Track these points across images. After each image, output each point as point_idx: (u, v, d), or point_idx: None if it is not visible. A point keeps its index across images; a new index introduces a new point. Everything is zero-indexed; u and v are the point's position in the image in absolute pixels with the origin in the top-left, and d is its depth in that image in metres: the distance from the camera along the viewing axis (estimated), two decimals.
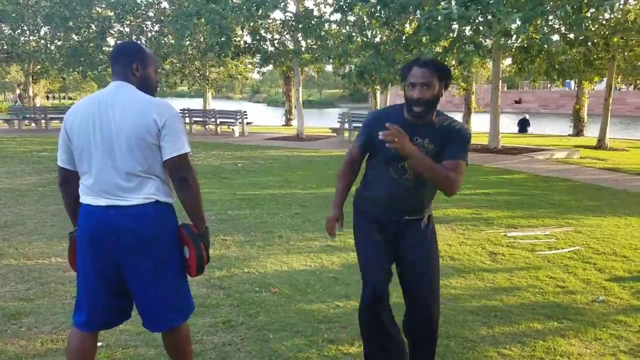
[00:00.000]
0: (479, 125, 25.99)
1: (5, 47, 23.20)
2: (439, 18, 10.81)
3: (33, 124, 21.92)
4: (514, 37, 12.73)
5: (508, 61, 19.61)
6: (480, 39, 12.73)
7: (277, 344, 3.20)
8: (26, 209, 6.73)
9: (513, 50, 14.76)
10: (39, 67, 24.51)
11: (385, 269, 2.62)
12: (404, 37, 13.23)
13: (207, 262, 2.45)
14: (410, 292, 2.67)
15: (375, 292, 2.56)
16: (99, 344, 3.12)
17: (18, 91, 28.88)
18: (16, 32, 23.26)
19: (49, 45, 22.65)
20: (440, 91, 2.47)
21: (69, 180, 2.45)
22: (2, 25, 23.26)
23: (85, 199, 2.36)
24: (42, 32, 23.36)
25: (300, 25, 16.73)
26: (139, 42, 17.48)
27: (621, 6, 14.06)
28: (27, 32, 23.68)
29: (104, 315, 2.45)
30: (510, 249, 5.25)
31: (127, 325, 3.40)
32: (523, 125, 24.18)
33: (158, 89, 2.54)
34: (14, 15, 22.12)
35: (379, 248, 2.64)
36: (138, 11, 20.53)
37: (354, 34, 14.62)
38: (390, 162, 2.55)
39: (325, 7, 19.37)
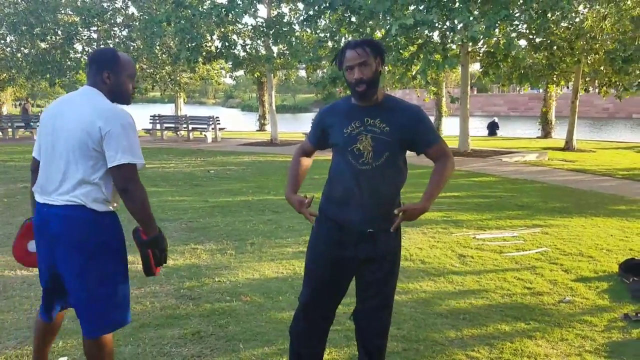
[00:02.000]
0: (449, 128, 26.36)
1: None
2: (393, 29, 10.92)
3: (0, 133, 21.41)
4: (481, 42, 12.95)
5: (477, 66, 19.96)
6: (448, 45, 12.91)
7: (247, 354, 3.18)
8: None
9: (480, 55, 15.02)
10: (4, 75, 23.92)
11: (323, 316, 2.65)
12: None
13: (159, 265, 2.52)
14: (361, 323, 2.67)
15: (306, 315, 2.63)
16: (63, 358, 3.06)
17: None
18: None
19: (15, 53, 22.16)
20: (378, 68, 2.42)
21: (36, 170, 2.54)
22: None
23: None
24: (7, 40, 22.85)
25: (271, 31, 16.73)
26: (103, 45, 17.17)
27: (583, 14, 14.45)
28: None
29: (49, 299, 2.57)
30: (479, 252, 5.32)
31: None
32: (492, 128, 24.60)
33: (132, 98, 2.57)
34: None
35: (323, 291, 2.59)
36: (105, 16, 20.27)
37: (325, 39, 14.68)
38: (346, 148, 2.45)
39: (296, 13, 19.41)
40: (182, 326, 3.54)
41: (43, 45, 20.76)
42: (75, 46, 21.05)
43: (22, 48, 21.81)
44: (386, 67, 13.22)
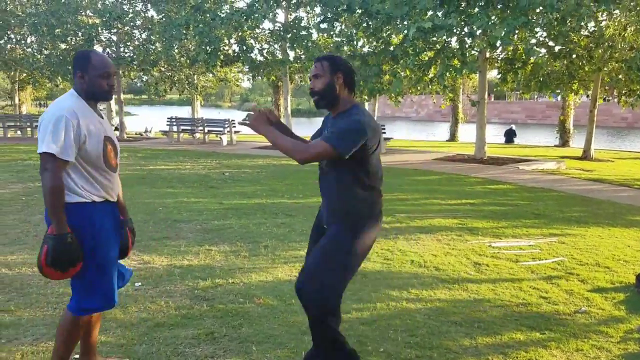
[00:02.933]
0: (465, 135, 26.23)
1: None
2: (411, 32, 10.90)
3: (19, 132, 21.73)
4: (500, 48, 12.87)
5: (495, 73, 19.83)
6: (466, 51, 12.87)
7: (260, 356, 3.19)
8: (9, 219, 6.65)
9: (498, 61, 14.94)
10: (25, 74, 24.32)
11: None
12: (391, 48, 13.33)
13: (51, 266, 2.48)
14: None
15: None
16: (76, 356, 3.09)
17: None
18: (2, 40, 23.10)
19: (36, 53, 22.51)
20: (333, 81, 2.65)
21: None
22: None
23: None
24: (28, 41, 23.21)
25: (288, 35, 16.80)
26: (123, 48, 17.25)
27: (604, 22, 14.30)
28: (14, 40, 23.52)
29: None
30: (494, 260, 5.27)
31: (108, 336, 3.38)
32: (509, 136, 24.41)
33: (113, 94, 2.76)
34: (0, 23, 21.98)
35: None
36: (125, 19, 20.49)
37: (341, 43, 14.70)
38: None
39: (313, 17, 19.48)
40: (196, 326, 3.56)
41: (63, 46, 21.04)
42: (95, 48, 21.30)
43: (43, 49, 22.15)
44: (403, 73, 13.20)
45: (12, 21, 22.21)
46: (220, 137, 18.78)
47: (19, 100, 27.39)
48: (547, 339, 3.53)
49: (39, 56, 22.39)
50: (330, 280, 2.67)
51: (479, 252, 5.54)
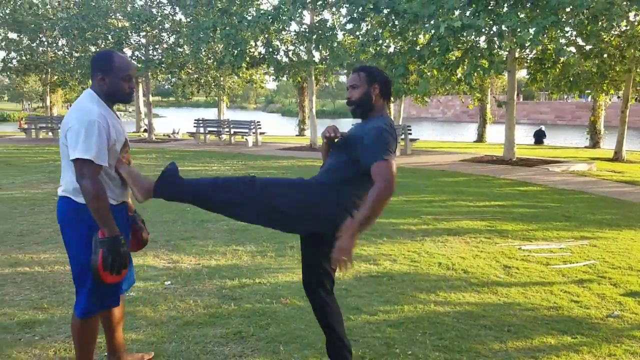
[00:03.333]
0: (493, 136, 25.89)
1: (24, 57, 23.64)
2: (442, 29, 10.82)
3: (50, 133, 22.24)
4: (528, 48, 12.68)
5: (523, 72, 19.54)
6: (495, 51, 12.70)
7: (287, 356, 3.19)
8: (41, 218, 6.81)
9: (527, 61, 14.70)
10: (56, 77, 24.88)
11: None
12: (417, 48, 13.25)
13: (108, 270, 2.45)
14: None
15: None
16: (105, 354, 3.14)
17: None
18: (34, 43, 23.69)
19: (67, 56, 23.01)
20: (370, 92, 2.70)
21: None
22: (21, 36, 23.73)
23: None
24: (60, 44, 23.75)
25: (313, 37, 16.83)
26: (152, 50, 17.45)
27: (636, 21, 13.96)
28: (46, 43, 24.10)
29: None
30: (524, 263, 5.19)
31: (138, 334, 3.43)
32: (539, 137, 23.99)
33: (132, 96, 2.71)
34: (32, 26, 22.53)
35: None
36: (154, 22, 20.80)
37: (367, 44, 14.65)
38: None
39: (339, 18, 19.48)
40: (224, 325, 3.58)
41: (94, 49, 21.46)
42: (124, 50, 21.69)
43: (74, 52, 22.64)
44: (429, 73, 13.10)
45: (44, 24, 22.78)
46: (245, 139, 18.92)
47: (51, 102, 28.04)
48: (578, 344, 3.45)
49: (70, 59, 22.91)
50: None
51: (508, 255, 5.46)
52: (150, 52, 21.86)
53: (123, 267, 2.50)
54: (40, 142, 19.94)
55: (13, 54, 23.88)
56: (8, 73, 25.65)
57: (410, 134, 16.87)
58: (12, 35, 24.00)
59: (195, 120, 20.68)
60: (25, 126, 22.96)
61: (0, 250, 5.39)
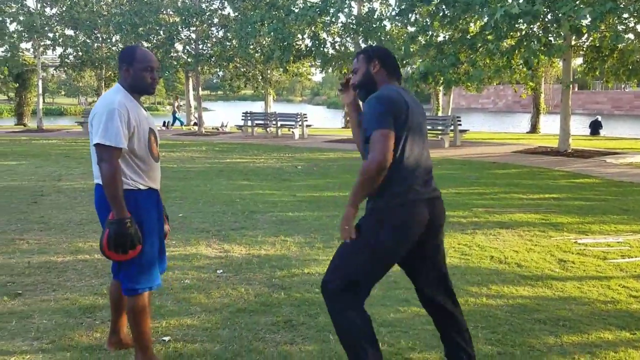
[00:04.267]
0: (547, 126, 25.10)
1: (80, 53, 24.53)
2: (498, 15, 10.54)
3: None
4: (585, 35, 12.20)
5: (579, 60, 18.81)
6: (550, 38, 12.28)
7: (338, 345, 3.20)
8: (93, 208, 7.05)
9: (584, 49, 14.14)
10: (110, 72, 25.72)
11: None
12: (468, 36, 12.96)
13: (112, 249, 2.61)
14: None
15: None
16: (166, 338, 3.25)
17: (176, 103, 30.68)
18: (90, 39, 24.52)
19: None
20: (369, 69, 2.67)
21: None
22: (77, 33, 24.62)
23: None
24: (113, 39, 24.50)
25: (361, 28, 16.72)
26: (201, 45, 17.77)
27: None
28: (100, 39, 24.92)
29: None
30: (580, 257, 5.02)
31: (194, 320, 3.53)
32: (595, 128, 23.07)
33: (154, 87, 2.82)
34: (88, 23, 23.33)
35: None
36: (203, 17, 21.16)
37: (416, 34, 14.44)
38: None
39: (387, 8, 19.27)
40: (275, 314, 3.64)
41: (146, 44, 22.06)
42: (175, 45, 22.19)
43: None
44: (481, 62, 12.81)
45: (99, 21, 23.55)
46: (292, 131, 19.04)
47: None
48: (637, 339, 3.32)
49: None
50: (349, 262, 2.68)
51: (564, 248, 5.30)
52: (200, 46, 22.26)
53: (130, 248, 2.64)
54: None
55: (70, 50, 24.78)
56: (65, 69, 26.68)
57: (460, 125, 16.56)
58: (69, 32, 24.91)
59: (242, 113, 20.97)
60: (82, 120, 23.84)
61: (61, 238, 5.64)
